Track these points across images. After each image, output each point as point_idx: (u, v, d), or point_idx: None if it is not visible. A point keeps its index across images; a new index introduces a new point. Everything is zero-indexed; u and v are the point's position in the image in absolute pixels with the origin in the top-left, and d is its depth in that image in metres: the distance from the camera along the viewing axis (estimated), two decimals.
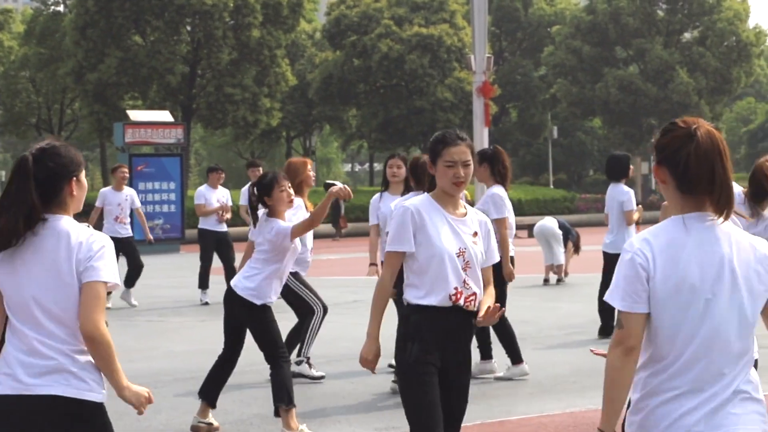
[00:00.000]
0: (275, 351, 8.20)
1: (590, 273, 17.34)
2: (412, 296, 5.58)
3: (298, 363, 10.33)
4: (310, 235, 10.11)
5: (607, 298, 3.64)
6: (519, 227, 33.18)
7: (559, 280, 19.52)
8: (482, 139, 18.20)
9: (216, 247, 17.27)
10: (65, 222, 4.36)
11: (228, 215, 17.48)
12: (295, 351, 10.40)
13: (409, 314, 5.58)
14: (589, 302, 15.43)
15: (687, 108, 58.99)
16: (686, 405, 3.54)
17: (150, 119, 33.82)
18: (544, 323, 13.80)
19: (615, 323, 3.62)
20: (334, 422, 8.72)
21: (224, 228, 17.43)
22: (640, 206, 12.83)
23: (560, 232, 19.73)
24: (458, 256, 5.53)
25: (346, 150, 78.13)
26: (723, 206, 3.58)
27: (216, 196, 17.35)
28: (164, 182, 31.80)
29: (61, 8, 59.83)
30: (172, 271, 24.19)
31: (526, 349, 11.42)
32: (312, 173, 10.29)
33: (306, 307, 10.36)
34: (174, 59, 49.83)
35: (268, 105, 51.77)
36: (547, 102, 67.17)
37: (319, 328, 10.39)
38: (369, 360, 5.62)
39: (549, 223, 20.20)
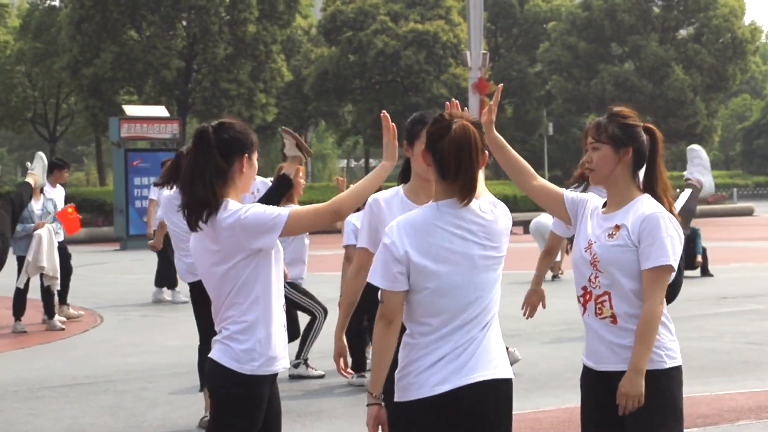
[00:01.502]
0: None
1: None
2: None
3: (296, 365, 10.27)
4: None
5: (369, 278, 4.08)
6: (515, 224, 33.21)
7: (554, 277, 19.52)
8: None
9: None
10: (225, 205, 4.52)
11: None
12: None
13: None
14: None
15: (682, 105, 59.08)
16: (444, 363, 4.03)
17: (145, 114, 33.75)
18: (539, 319, 13.76)
19: (379, 298, 4.07)
20: (329, 417, 8.71)
21: None
22: None
23: None
24: None
25: (341, 146, 77.98)
26: (466, 192, 4.01)
27: None
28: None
29: (56, 3, 59.68)
30: None
31: (521, 345, 11.43)
32: (303, 181, 10.19)
33: (309, 313, 10.35)
34: (169, 54, 49.78)
35: (263, 100, 51.72)
36: (542, 98, 67.18)
37: (320, 331, 10.36)
38: (336, 361, 5.06)
39: (545, 219, 20.16)
